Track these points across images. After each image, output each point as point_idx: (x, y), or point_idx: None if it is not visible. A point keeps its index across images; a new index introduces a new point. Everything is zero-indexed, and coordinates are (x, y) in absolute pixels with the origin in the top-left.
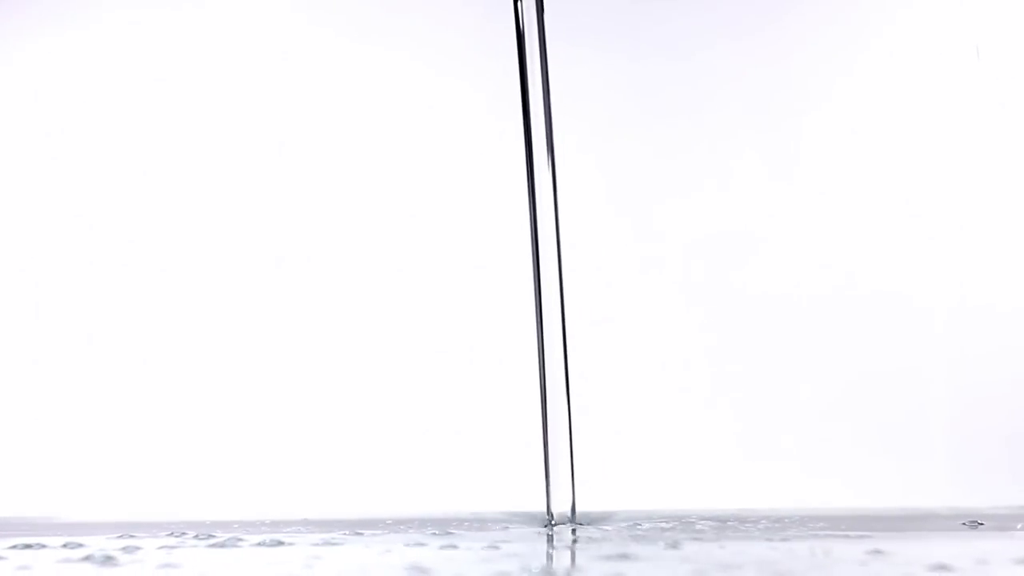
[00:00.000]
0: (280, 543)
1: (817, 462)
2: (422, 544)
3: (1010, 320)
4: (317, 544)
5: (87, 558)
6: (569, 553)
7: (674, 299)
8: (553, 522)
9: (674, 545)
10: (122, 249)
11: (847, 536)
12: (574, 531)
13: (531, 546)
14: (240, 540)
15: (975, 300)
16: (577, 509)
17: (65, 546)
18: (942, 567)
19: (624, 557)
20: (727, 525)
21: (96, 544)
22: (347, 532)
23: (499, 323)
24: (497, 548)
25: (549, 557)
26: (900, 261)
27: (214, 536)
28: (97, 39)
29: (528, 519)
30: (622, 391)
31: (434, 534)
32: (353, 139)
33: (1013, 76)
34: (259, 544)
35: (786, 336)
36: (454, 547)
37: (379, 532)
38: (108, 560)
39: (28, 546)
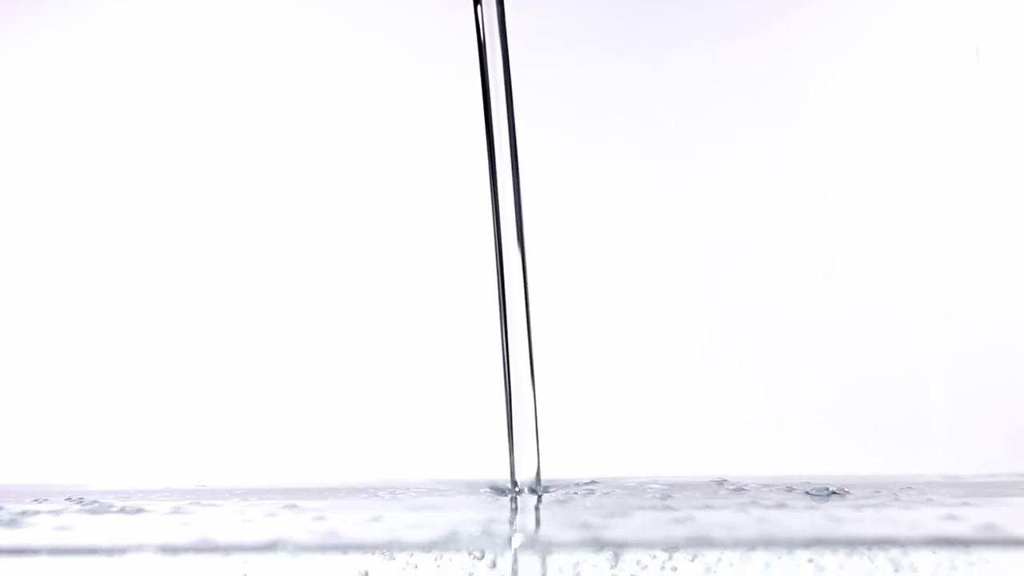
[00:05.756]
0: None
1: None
2: (383, 511)
3: None
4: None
5: None
6: (534, 518)
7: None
8: (517, 489)
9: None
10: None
11: (915, 502)
12: (539, 498)
13: (493, 512)
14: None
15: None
16: (542, 477)
17: None
18: (991, 527)
19: (586, 525)
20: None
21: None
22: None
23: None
24: (458, 514)
25: (512, 524)
26: (901, 259)
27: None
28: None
29: (491, 486)
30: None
31: (394, 502)
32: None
33: (1013, 76)
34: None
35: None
36: (413, 514)
37: (340, 499)
38: (11, 522)
39: None
